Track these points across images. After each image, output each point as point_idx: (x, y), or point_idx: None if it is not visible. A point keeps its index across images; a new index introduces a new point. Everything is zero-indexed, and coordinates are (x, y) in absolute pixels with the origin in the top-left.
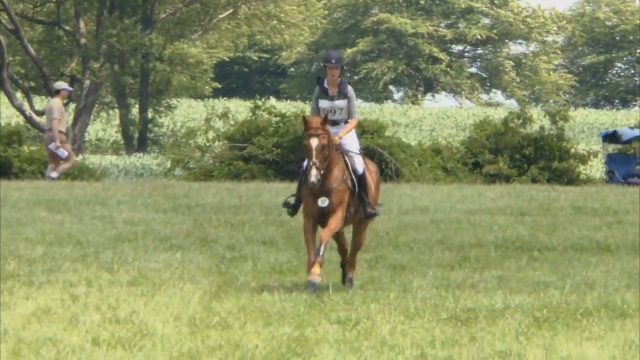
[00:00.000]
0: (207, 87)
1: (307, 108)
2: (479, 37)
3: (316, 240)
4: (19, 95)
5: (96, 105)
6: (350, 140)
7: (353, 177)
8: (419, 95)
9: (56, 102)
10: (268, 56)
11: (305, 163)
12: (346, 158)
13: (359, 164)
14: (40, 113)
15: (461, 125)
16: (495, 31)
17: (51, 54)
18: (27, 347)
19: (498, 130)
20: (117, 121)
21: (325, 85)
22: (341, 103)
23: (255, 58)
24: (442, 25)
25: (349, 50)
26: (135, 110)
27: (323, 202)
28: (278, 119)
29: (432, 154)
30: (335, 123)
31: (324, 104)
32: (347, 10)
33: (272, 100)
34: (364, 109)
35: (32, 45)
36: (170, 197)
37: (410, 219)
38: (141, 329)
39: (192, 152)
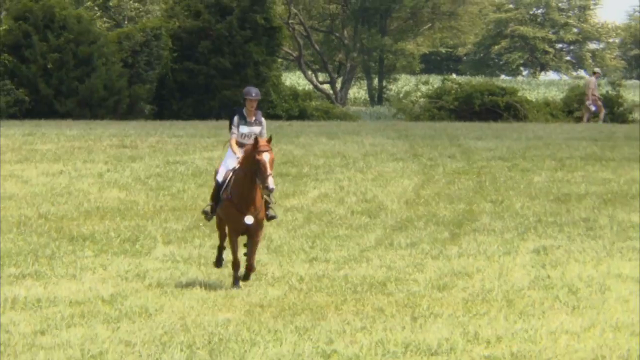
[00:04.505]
0: (416, 67)
1: None
2: None
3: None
4: (310, 72)
5: (354, 78)
6: None
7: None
8: None
9: (592, 80)
10: None
11: (220, 176)
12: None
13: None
14: (322, 82)
15: None
16: None
17: (327, 49)
18: None
19: None
20: (365, 87)
21: (244, 113)
22: (257, 129)
23: None
24: None
25: None
26: (375, 81)
27: (249, 219)
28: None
29: None
30: None
31: (243, 129)
32: None
33: None
34: None
35: (317, 44)
36: (395, 130)
37: None
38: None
39: (408, 104)
